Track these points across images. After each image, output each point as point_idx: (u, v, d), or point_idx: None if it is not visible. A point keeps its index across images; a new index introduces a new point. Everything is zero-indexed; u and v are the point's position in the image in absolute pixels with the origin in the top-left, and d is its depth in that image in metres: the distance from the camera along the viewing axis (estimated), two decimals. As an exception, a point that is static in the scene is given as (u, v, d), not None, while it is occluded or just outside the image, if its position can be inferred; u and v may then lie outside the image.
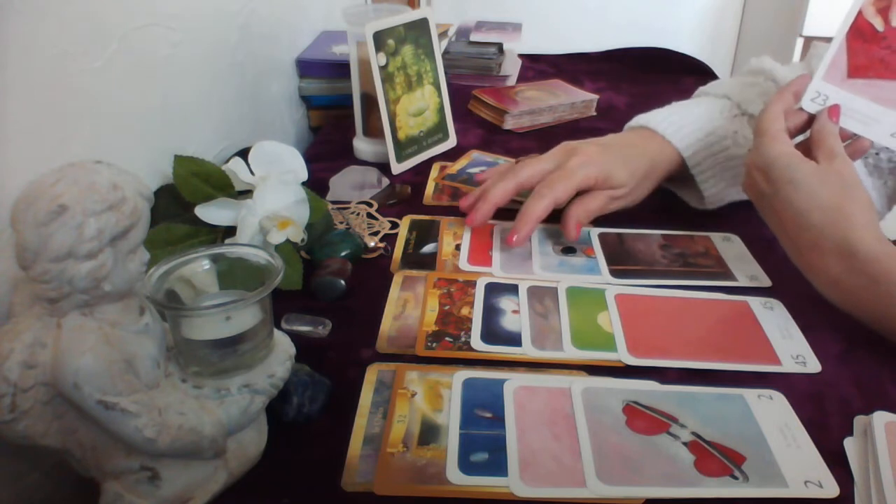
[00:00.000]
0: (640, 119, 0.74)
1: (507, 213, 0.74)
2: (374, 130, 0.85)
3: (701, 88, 0.81)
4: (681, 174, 0.73)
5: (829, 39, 0.60)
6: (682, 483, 0.42)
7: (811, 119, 0.60)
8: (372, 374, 0.50)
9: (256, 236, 0.57)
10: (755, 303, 0.59)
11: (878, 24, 0.58)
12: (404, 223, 0.72)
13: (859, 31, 0.58)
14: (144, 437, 0.35)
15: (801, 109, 0.60)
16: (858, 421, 0.47)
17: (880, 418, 0.46)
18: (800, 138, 0.61)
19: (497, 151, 0.89)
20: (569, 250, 0.66)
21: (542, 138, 0.95)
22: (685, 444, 0.44)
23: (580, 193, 0.67)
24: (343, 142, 0.90)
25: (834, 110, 0.59)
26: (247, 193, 0.60)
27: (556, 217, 0.73)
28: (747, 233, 0.70)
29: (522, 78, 1.20)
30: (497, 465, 0.43)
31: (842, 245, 0.52)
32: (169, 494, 0.39)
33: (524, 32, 1.31)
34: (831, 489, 0.42)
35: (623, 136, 0.74)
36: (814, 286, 0.56)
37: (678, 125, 0.72)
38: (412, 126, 0.84)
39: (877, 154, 0.74)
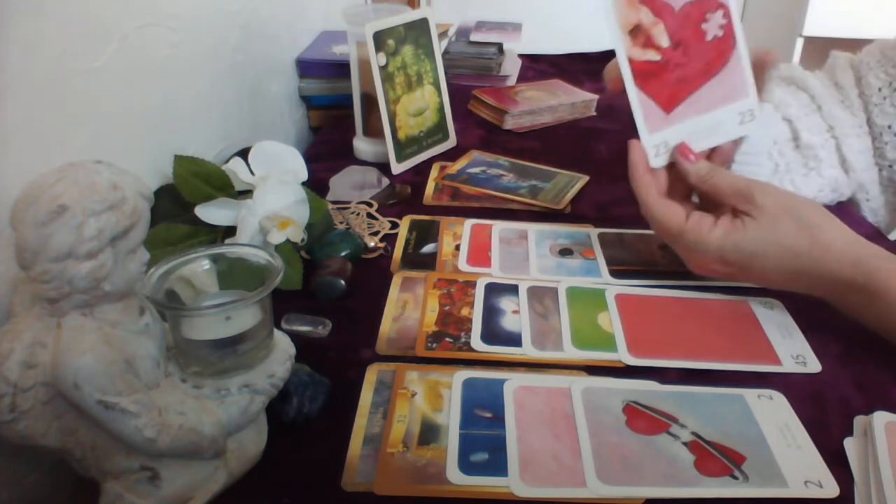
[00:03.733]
0: None
1: (509, 212, 0.74)
2: (374, 130, 0.85)
3: None
4: None
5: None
6: (682, 483, 0.42)
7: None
8: (372, 374, 0.50)
9: (256, 236, 0.57)
10: (755, 303, 0.59)
11: (652, 55, 0.56)
12: (404, 223, 0.72)
13: (643, 74, 0.56)
14: (144, 437, 0.35)
15: (655, 169, 0.58)
16: (858, 421, 0.47)
17: (880, 418, 0.46)
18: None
19: (497, 151, 0.89)
20: (566, 252, 0.66)
21: (542, 138, 0.95)
22: (685, 444, 0.44)
23: None
24: (343, 142, 0.90)
25: (683, 151, 0.57)
26: (247, 193, 0.60)
27: (552, 217, 0.73)
28: (747, 233, 0.70)
29: (522, 78, 1.20)
30: (497, 465, 0.43)
31: (836, 277, 0.52)
32: (169, 494, 0.39)
33: (524, 32, 1.31)
34: (831, 489, 0.42)
35: None
36: None
37: None
38: (412, 126, 0.84)
39: (890, 167, 0.74)
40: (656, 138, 0.57)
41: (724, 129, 0.58)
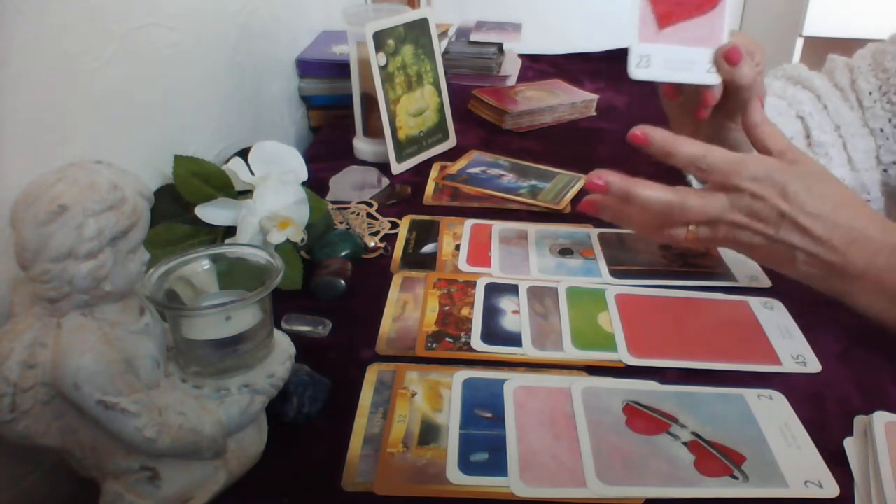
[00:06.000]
0: None
1: (509, 213, 0.74)
2: (374, 130, 0.85)
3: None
4: None
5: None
6: (682, 483, 0.42)
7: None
8: (372, 374, 0.50)
9: (256, 236, 0.57)
10: (755, 303, 0.59)
11: None
12: (404, 223, 0.72)
13: None
14: (144, 437, 0.35)
15: (633, 78, 0.59)
16: (858, 421, 0.47)
17: (880, 418, 0.46)
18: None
19: (497, 151, 0.89)
20: (566, 252, 0.66)
21: (542, 138, 0.95)
22: (685, 444, 0.44)
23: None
24: (343, 142, 0.90)
25: (761, 99, 0.57)
26: (247, 193, 0.60)
27: (552, 217, 0.73)
28: (747, 233, 0.70)
29: (522, 78, 1.20)
30: (497, 465, 0.43)
31: (878, 227, 0.50)
32: (169, 494, 0.39)
33: (524, 32, 1.31)
34: (831, 489, 0.42)
35: None
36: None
37: None
38: (412, 126, 0.84)
39: (885, 171, 0.74)
40: (644, 49, 0.59)
41: (695, 70, 0.59)
